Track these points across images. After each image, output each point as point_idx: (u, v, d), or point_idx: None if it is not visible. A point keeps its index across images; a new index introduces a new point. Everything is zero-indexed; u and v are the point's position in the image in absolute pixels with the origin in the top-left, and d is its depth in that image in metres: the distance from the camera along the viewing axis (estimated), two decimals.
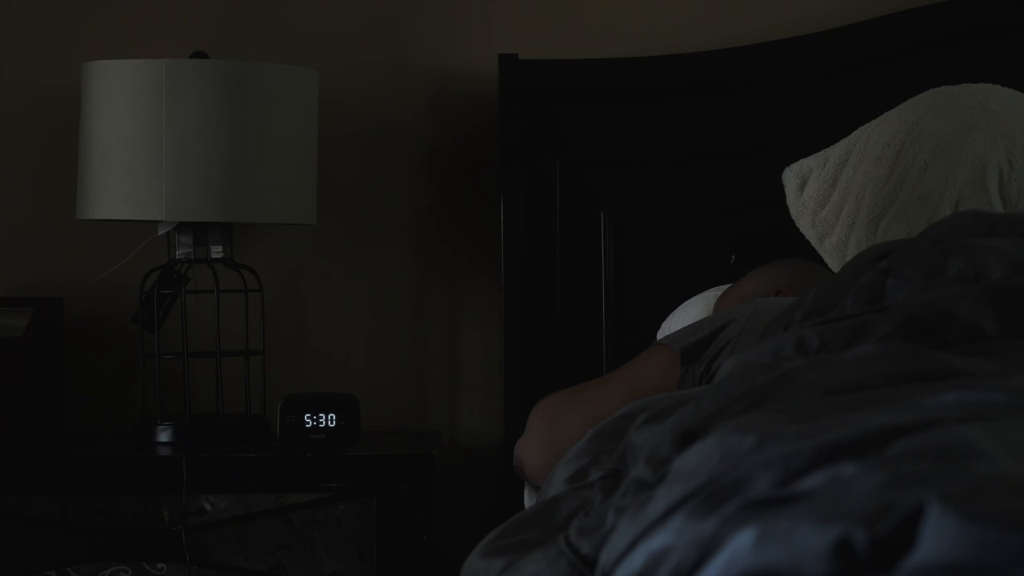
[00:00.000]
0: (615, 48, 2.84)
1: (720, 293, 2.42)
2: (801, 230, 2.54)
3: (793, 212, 2.55)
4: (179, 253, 2.65)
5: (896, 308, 1.53)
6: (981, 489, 0.90)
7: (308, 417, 2.53)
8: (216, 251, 2.66)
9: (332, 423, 2.53)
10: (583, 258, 2.75)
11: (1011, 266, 1.60)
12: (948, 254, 1.63)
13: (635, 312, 2.74)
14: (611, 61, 2.78)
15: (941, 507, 0.88)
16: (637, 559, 1.09)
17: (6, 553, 2.50)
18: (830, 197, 2.50)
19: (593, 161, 2.76)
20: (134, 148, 2.54)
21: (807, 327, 1.55)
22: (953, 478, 0.93)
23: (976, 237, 1.69)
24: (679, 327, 2.30)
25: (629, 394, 2.06)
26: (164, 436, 2.62)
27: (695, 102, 2.76)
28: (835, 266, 2.46)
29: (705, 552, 1.00)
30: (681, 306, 2.50)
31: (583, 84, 2.76)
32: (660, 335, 2.49)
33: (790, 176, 2.56)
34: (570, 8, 2.87)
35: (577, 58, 2.79)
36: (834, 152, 2.54)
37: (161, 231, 2.64)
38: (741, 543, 0.96)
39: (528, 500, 2.25)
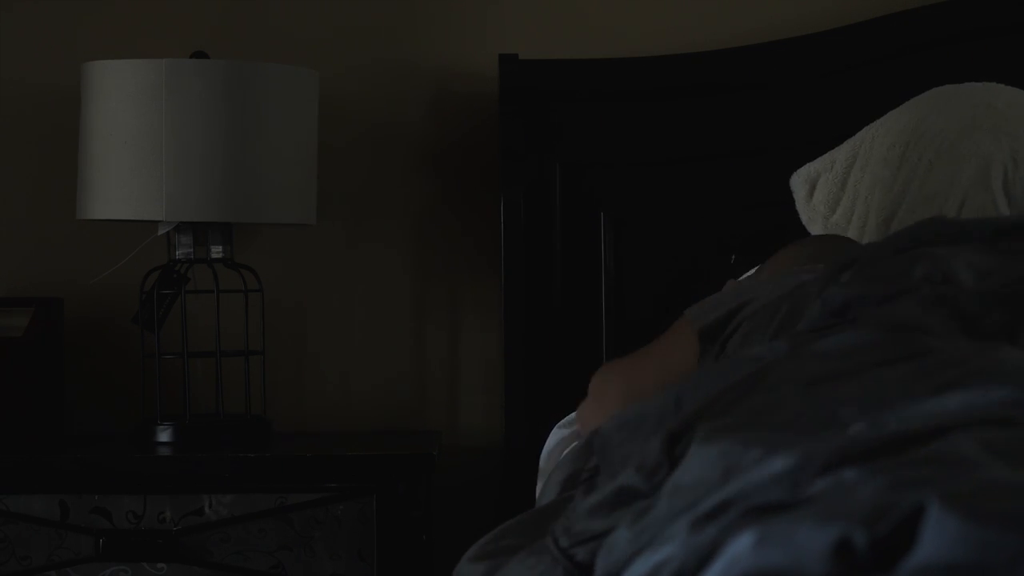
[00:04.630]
0: (615, 48, 2.84)
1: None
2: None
3: (804, 218, 2.53)
4: (179, 253, 2.65)
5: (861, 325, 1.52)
6: (981, 490, 0.90)
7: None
8: (216, 251, 2.65)
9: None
10: (583, 258, 2.75)
11: (977, 275, 1.60)
12: (913, 263, 1.63)
13: (635, 312, 2.74)
14: (611, 61, 2.78)
15: (941, 507, 0.88)
16: (639, 569, 1.09)
17: (6, 553, 2.50)
18: (840, 201, 2.49)
19: (593, 161, 2.76)
20: (134, 148, 2.54)
21: (778, 341, 1.55)
22: (954, 481, 0.93)
23: (943, 243, 1.69)
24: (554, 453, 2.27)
25: (661, 371, 2.06)
26: (164, 436, 2.62)
27: (695, 102, 2.76)
28: None
29: (706, 556, 1.01)
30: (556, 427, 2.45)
31: (583, 84, 2.76)
32: (543, 462, 2.43)
33: (798, 182, 2.55)
34: (570, 8, 2.87)
35: (577, 58, 2.78)
36: (840, 154, 2.53)
37: (161, 231, 2.64)
38: (741, 545, 0.97)
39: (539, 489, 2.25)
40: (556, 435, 2.36)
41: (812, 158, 2.68)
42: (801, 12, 2.85)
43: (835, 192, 2.49)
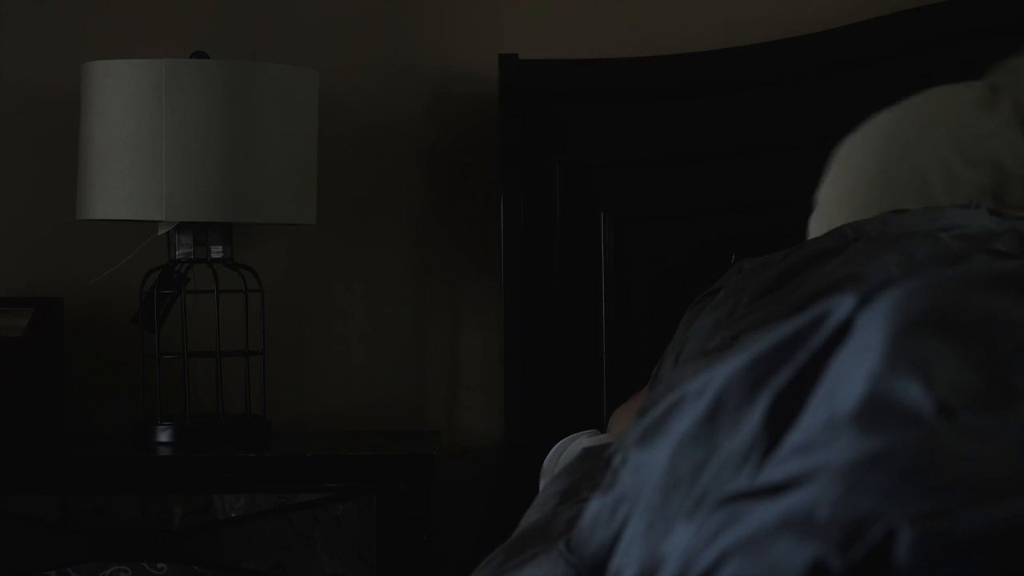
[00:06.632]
0: (616, 48, 2.84)
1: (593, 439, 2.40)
2: None
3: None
4: (179, 253, 2.65)
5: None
6: (947, 509, 0.91)
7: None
8: (216, 251, 2.66)
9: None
10: (583, 258, 2.75)
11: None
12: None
13: (635, 312, 2.74)
14: (612, 61, 2.78)
15: (912, 533, 0.89)
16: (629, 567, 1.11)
17: (6, 553, 2.50)
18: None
19: (593, 161, 2.76)
20: (134, 148, 2.54)
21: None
22: (913, 491, 0.95)
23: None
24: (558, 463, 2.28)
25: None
26: (164, 436, 2.63)
27: (695, 102, 2.76)
28: None
29: (680, 563, 1.02)
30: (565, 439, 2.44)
31: (584, 84, 2.76)
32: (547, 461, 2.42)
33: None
34: (570, 8, 2.87)
35: (578, 58, 2.78)
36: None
37: (161, 231, 2.64)
38: (716, 554, 0.98)
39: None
40: (567, 442, 2.37)
41: (812, 158, 2.68)
42: (801, 12, 2.85)
43: None
